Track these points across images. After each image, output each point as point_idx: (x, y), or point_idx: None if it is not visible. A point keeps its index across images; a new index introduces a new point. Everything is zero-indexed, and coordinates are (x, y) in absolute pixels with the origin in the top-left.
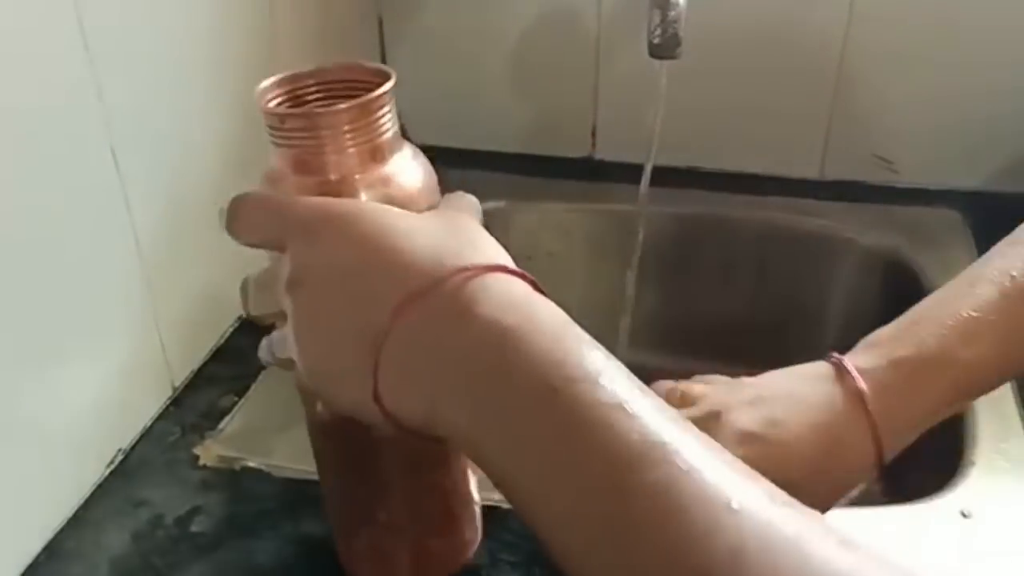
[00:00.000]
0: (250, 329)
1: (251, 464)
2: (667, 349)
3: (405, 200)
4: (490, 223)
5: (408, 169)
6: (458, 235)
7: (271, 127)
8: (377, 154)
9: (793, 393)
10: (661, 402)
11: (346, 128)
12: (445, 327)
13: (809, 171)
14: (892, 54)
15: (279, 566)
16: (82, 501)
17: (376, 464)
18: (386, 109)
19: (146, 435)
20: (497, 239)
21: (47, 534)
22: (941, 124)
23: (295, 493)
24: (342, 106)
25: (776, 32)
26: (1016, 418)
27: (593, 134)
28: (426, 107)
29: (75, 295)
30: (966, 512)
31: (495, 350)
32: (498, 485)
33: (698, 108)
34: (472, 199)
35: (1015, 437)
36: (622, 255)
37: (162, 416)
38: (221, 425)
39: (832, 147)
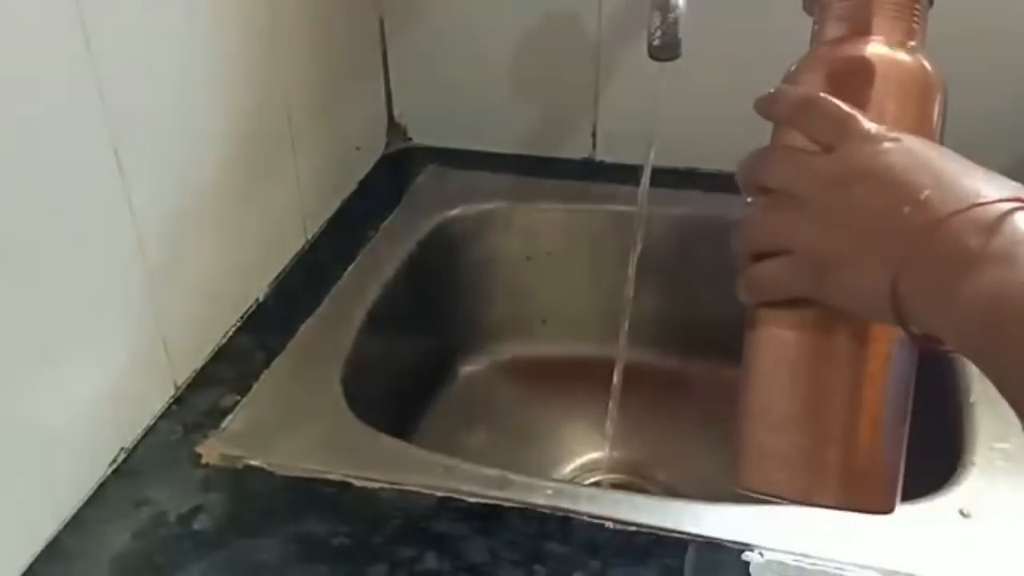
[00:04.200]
0: (252, 329)
1: (253, 463)
2: (667, 349)
3: (931, 80)
4: (490, 223)
5: (930, 69)
6: (986, 174)
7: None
8: (917, 34)
9: None
10: None
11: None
12: (979, 244)
13: None
14: None
15: (281, 565)
16: (84, 500)
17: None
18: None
19: (148, 434)
20: (497, 239)
21: (49, 533)
22: None
23: (297, 492)
24: None
25: (776, 33)
26: (1014, 418)
27: (593, 135)
28: (426, 107)
29: (78, 294)
30: (965, 512)
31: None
32: (1004, 379)
33: (698, 109)
34: None
35: (1014, 437)
36: (622, 255)
37: (164, 415)
38: (223, 424)
39: None
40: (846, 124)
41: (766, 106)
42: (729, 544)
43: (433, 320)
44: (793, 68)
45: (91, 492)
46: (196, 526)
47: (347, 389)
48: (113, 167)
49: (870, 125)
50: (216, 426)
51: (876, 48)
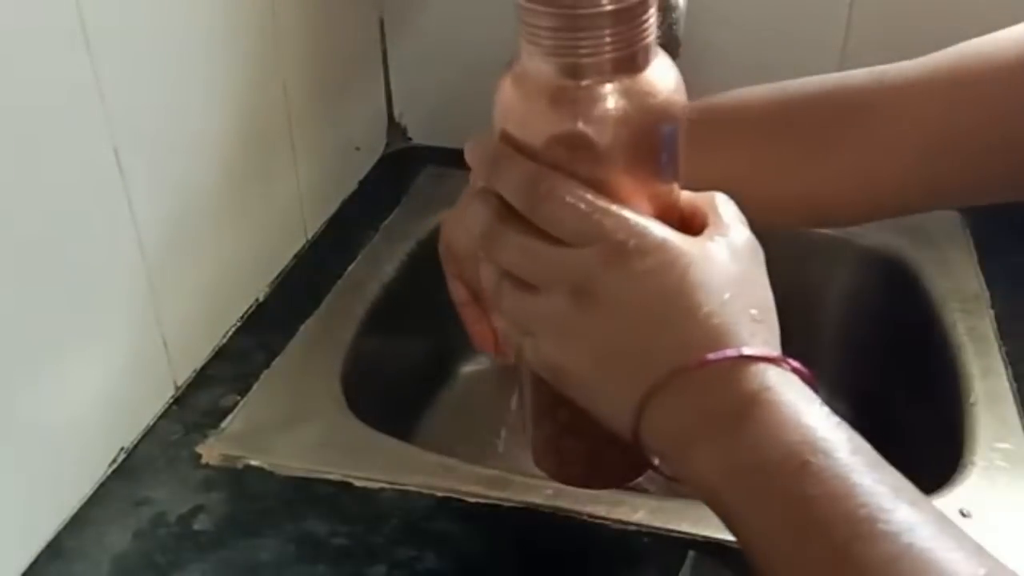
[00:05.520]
0: (252, 329)
1: (253, 463)
2: None
3: (660, 107)
4: None
5: (664, 76)
6: (745, 309)
7: (526, 22)
8: (636, 61)
9: None
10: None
11: (608, 32)
12: (714, 402)
13: None
14: (891, 54)
15: (281, 564)
16: (84, 500)
17: None
18: (651, 13)
19: (148, 434)
20: None
21: (49, 532)
22: None
23: (297, 491)
24: (606, 7)
25: (776, 32)
26: (1015, 418)
27: None
28: (426, 107)
29: (78, 294)
30: (965, 512)
31: (754, 430)
32: (735, 533)
33: None
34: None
35: (1014, 437)
36: None
37: (164, 415)
38: (223, 424)
39: None
40: (588, 229)
41: (479, 164)
42: (729, 544)
43: (433, 320)
44: (501, 94)
45: (91, 492)
46: (196, 526)
47: (347, 389)
48: (113, 167)
49: (619, 230)
50: (216, 426)
51: (600, 108)
